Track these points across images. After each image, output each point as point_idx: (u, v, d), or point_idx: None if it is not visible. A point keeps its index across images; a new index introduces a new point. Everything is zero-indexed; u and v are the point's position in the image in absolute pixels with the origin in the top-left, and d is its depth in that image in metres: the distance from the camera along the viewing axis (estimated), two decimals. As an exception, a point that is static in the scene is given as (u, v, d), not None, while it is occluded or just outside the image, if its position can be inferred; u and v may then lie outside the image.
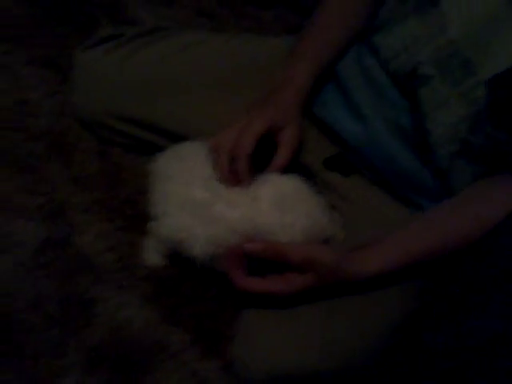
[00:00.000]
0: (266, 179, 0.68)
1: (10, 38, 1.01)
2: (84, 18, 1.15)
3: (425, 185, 0.73)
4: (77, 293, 0.73)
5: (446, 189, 0.70)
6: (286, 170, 0.71)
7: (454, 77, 0.62)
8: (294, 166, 0.73)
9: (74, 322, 0.70)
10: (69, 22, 1.12)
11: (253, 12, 1.43)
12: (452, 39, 0.62)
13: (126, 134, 0.86)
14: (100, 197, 0.85)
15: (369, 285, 0.65)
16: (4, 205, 0.79)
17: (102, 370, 0.68)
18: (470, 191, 0.66)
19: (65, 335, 0.69)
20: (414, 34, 0.66)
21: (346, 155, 0.79)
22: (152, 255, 0.78)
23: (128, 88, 0.82)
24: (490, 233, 0.60)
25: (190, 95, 0.81)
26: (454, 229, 0.63)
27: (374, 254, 0.63)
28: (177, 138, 0.80)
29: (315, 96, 0.79)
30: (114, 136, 0.87)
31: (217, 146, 0.70)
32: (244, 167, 0.67)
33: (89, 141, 0.91)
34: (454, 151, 0.65)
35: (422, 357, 0.62)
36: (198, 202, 0.67)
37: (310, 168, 0.80)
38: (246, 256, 0.63)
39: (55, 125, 0.92)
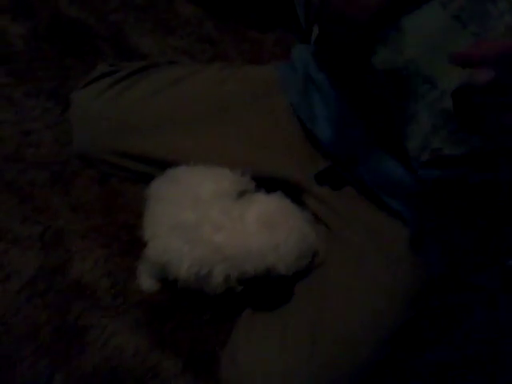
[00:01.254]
0: (250, 199, 0.68)
1: (15, 70, 1.05)
2: (88, 49, 1.18)
3: (411, 193, 0.72)
4: (71, 320, 0.73)
5: (426, 198, 0.69)
6: (271, 188, 0.71)
7: (418, 92, 0.62)
8: (282, 184, 0.73)
9: (65, 350, 0.70)
10: (73, 54, 1.15)
11: (254, 36, 1.45)
12: (409, 58, 0.62)
13: (123, 168, 0.87)
14: (98, 223, 0.86)
15: None
16: (2, 234, 0.80)
17: (93, 399, 0.68)
18: None
19: (55, 365, 0.69)
20: (383, 59, 0.66)
21: (336, 169, 0.79)
22: (146, 280, 0.79)
23: (122, 124, 0.84)
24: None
25: (182, 126, 0.83)
26: None
27: None
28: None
29: (306, 111, 0.80)
30: (111, 169, 0.89)
31: None
32: None
33: (89, 169, 0.93)
34: (427, 161, 0.64)
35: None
36: (185, 224, 0.67)
37: (299, 184, 0.80)
38: None
39: (56, 154, 0.94)
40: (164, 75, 0.88)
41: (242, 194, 0.71)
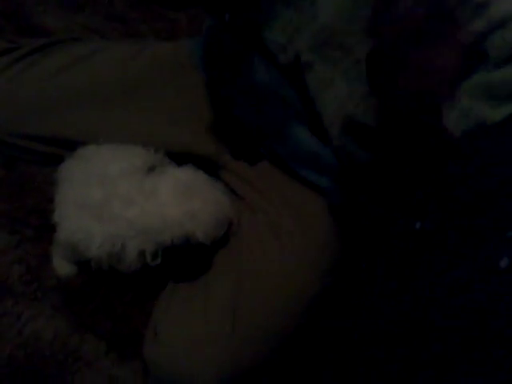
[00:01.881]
0: (162, 172, 0.68)
1: None
2: (-14, 27, 1.10)
3: (326, 165, 0.75)
4: (-20, 310, 0.70)
5: (343, 167, 0.72)
6: (186, 162, 0.71)
7: (334, 58, 0.64)
8: (197, 159, 0.73)
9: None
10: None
11: (167, 14, 1.42)
12: (324, 25, 0.64)
13: (30, 150, 0.83)
14: (5, 208, 0.82)
15: None
16: None
17: (11, 388, 0.65)
18: None
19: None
20: (292, 25, 0.67)
21: (251, 143, 0.80)
22: (61, 264, 0.76)
23: (27, 104, 0.80)
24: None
25: (91, 105, 0.80)
26: None
27: None
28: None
29: (219, 85, 0.80)
30: (17, 152, 0.85)
31: None
32: None
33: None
34: (342, 128, 0.67)
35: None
36: (93, 202, 0.65)
37: (214, 160, 0.80)
38: None
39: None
40: (70, 52, 0.84)
41: (152, 168, 0.70)
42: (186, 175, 0.68)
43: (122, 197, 0.64)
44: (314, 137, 0.74)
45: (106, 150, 0.72)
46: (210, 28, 0.86)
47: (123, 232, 0.63)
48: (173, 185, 0.66)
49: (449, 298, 0.68)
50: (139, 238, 0.63)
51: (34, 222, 0.81)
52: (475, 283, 0.78)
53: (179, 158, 0.75)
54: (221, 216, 0.69)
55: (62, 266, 0.76)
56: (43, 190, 0.84)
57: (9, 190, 0.84)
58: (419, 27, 0.48)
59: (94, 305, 0.75)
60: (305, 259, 0.73)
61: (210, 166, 0.76)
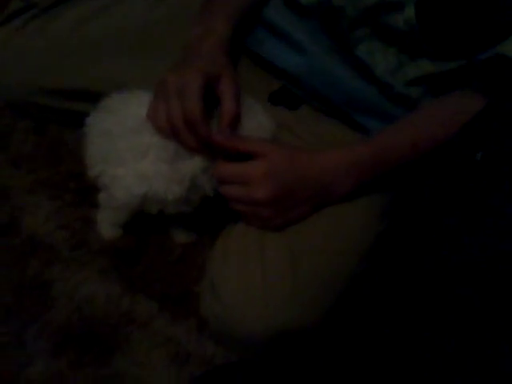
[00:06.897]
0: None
1: None
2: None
3: (372, 104, 0.71)
4: (31, 277, 0.69)
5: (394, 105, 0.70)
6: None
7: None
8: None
9: (32, 307, 0.67)
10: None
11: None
12: None
13: (55, 109, 0.81)
14: (43, 176, 0.80)
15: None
16: None
17: (69, 352, 0.65)
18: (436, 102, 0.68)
19: (25, 323, 0.66)
20: None
21: (290, 88, 0.76)
22: (107, 228, 0.75)
23: (48, 59, 0.77)
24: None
25: (114, 56, 0.77)
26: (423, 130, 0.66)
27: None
28: None
29: (250, 34, 0.76)
30: (45, 113, 0.83)
31: (161, 121, 0.62)
32: (206, 131, 0.60)
33: (24, 121, 0.86)
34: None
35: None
36: (155, 146, 0.61)
37: None
38: None
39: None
40: (89, 4, 0.81)
41: None
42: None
43: None
44: (358, 75, 0.71)
45: (133, 98, 0.67)
46: None
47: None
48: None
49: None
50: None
51: (73, 186, 0.80)
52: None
53: None
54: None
55: (109, 230, 0.74)
56: (77, 154, 0.82)
57: (44, 156, 0.82)
58: None
59: (142, 266, 0.74)
60: (361, 203, 0.69)
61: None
